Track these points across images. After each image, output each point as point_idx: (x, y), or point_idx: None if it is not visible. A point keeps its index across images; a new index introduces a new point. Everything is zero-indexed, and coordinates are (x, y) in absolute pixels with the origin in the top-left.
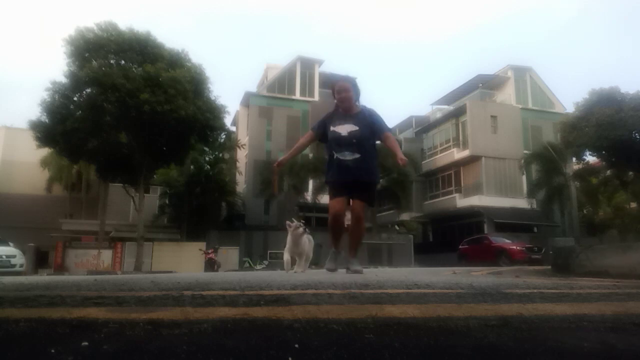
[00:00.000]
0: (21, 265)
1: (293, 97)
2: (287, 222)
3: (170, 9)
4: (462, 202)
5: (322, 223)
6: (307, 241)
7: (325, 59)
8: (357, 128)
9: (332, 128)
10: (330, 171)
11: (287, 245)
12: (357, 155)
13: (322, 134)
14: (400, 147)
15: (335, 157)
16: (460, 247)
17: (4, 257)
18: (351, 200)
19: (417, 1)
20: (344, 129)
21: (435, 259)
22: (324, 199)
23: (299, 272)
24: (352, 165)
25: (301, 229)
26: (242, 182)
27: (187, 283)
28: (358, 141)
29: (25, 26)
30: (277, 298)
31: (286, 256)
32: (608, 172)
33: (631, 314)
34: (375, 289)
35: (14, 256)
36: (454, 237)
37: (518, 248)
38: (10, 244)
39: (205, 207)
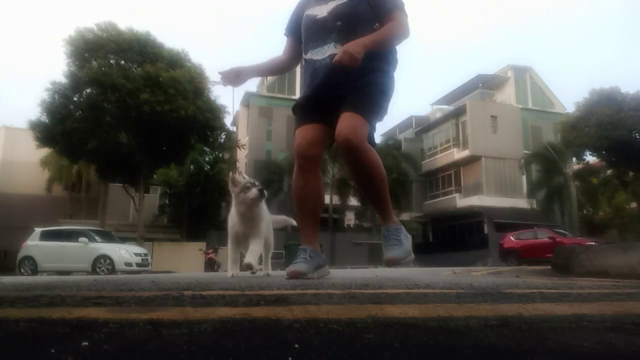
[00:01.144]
0: (150, 263)
1: (293, 97)
2: (232, 175)
3: (170, 10)
4: (462, 202)
5: (324, 222)
6: (266, 216)
7: None
8: (343, 1)
9: (305, 13)
10: (302, 89)
11: (232, 224)
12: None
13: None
14: (400, 147)
15: (307, 59)
16: (503, 242)
17: (142, 255)
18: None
19: (417, 1)
20: (323, 9)
21: (435, 259)
22: (325, 198)
23: (258, 274)
24: (336, 66)
25: (256, 190)
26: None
27: (187, 283)
28: (347, 22)
29: (26, 26)
30: (277, 298)
31: (232, 251)
32: (608, 172)
33: (631, 314)
34: (375, 289)
35: (147, 254)
36: (454, 237)
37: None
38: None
39: (205, 207)
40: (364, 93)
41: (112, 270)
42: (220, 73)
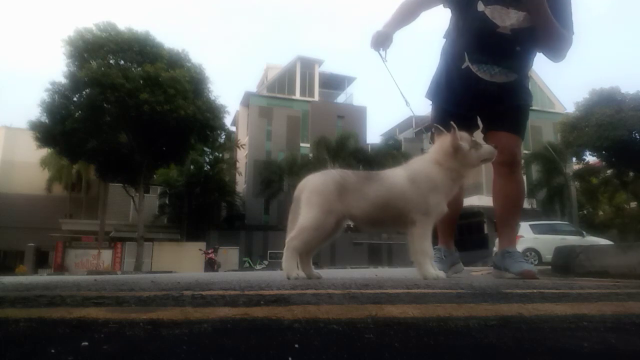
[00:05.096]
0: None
1: (293, 97)
2: (454, 132)
3: (170, 10)
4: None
5: None
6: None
7: (325, 59)
8: (523, 16)
9: (480, 6)
10: (440, 86)
11: (438, 201)
12: (513, 77)
13: None
14: (400, 147)
15: (473, 69)
16: None
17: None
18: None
19: None
20: (504, 17)
21: None
22: None
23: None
24: (497, 91)
25: (491, 148)
26: (242, 182)
27: (187, 283)
28: (526, 50)
29: (26, 26)
30: (277, 298)
31: (430, 242)
32: (608, 172)
33: (631, 314)
34: (375, 289)
35: None
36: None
37: None
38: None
39: (205, 207)
40: (514, 114)
41: None
42: (373, 37)
